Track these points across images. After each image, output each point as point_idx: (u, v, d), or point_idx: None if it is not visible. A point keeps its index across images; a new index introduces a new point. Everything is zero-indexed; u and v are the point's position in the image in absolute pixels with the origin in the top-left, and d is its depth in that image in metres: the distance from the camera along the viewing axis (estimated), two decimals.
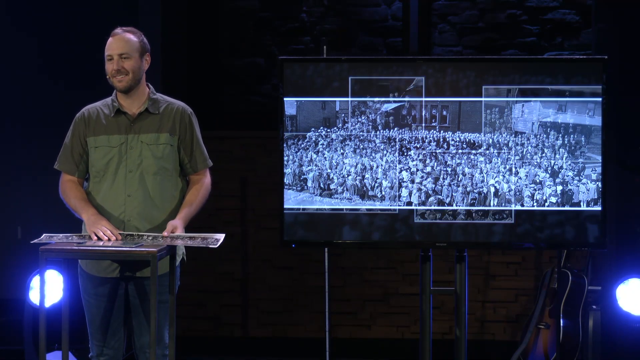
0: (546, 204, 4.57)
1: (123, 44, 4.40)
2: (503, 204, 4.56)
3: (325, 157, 4.61)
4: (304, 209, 4.62)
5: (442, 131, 4.59)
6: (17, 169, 6.87)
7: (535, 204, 4.57)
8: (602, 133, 4.56)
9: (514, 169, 4.57)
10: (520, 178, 4.57)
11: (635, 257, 6.03)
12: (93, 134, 4.45)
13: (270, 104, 7.35)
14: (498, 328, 6.73)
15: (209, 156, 4.58)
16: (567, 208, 4.57)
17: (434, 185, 4.58)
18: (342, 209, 4.61)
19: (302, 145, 4.62)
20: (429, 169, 4.58)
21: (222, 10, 7.55)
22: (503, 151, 4.57)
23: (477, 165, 4.58)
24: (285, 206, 4.62)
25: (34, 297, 5.74)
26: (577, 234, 4.57)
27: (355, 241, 4.65)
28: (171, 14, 7.09)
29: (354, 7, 7.47)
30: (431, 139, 4.59)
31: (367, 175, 4.60)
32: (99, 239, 4.27)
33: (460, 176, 4.58)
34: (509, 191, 4.57)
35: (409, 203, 4.59)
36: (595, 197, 4.56)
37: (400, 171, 4.59)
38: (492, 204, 4.57)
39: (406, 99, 4.60)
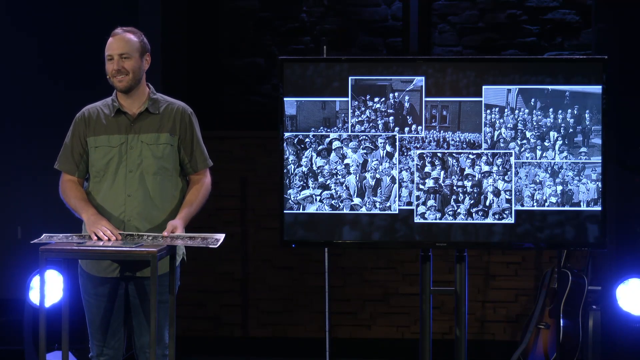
0: (546, 204, 4.57)
1: (123, 44, 4.40)
2: (503, 204, 4.56)
3: (325, 157, 4.61)
4: (304, 209, 4.62)
5: (442, 131, 4.59)
6: (17, 169, 6.87)
7: (535, 204, 4.57)
8: (602, 133, 4.56)
9: (514, 169, 4.57)
10: (520, 178, 4.57)
11: (635, 257, 6.03)
12: (93, 133, 4.45)
13: (270, 104, 7.35)
14: (498, 328, 6.73)
15: (209, 156, 4.58)
16: (567, 208, 4.57)
17: (434, 185, 4.58)
18: (342, 209, 4.61)
19: (302, 145, 4.62)
20: (428, 168, 4.58)
21: (222, 10, 7.55)
22: (503, 151, 4.57)
23: (477, 165, 4.58)
24: (285, 206, 4.62)
25: (34, 297, 5.74)
26: (577, 234, 4.57)
27: (355, 241, 4.65)
28: (171, 14, 7.09)
29: (354, 7, 7.47)
30: (431, 139, 4.59)
31: (367, 175, 4.60)
32: (99, 239, 4.27)
33: (460, 176, 4.58)
34: (509, 191, 4.57)
35: (409, 203, 4.59)
36: (595, 197, 4.56)
37: (400, 171, 4.59)
38: (492, 204, 4.57)
39: (406, 99, 4.60)
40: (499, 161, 4.58)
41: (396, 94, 4.61)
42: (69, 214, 4.49)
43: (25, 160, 6.81)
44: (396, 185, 4.59)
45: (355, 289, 6.81)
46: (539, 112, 4.57)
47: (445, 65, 4.61)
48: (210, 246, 4.26)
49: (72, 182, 4.48)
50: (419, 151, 4.59)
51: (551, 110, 4.57)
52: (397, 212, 4.60)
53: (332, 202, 4.61)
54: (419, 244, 4.62)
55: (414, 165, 4.59)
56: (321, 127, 4.62)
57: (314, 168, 4.62)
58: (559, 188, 4.57)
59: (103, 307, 4.43)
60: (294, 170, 4.62)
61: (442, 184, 4.58)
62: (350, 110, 4.61)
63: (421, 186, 4.59)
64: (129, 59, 4.41)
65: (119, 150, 4.42)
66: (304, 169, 4.62)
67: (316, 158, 4.62)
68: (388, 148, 4.59)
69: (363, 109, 4.61)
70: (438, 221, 4.59)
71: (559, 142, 4.57)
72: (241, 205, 6.90)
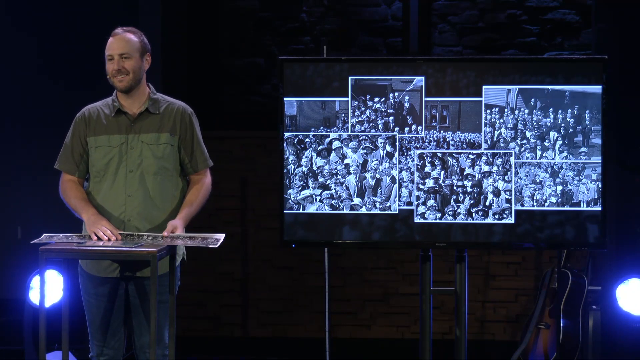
0: (546, 204, 4.57)
1: (124, 44, 4.40)
2: (503, 204, 4.56)
3: (325, 157, 4.61)
4: (304, 209, 4.62)
5: (442, 131, 4.59)
6: (17, 169, 6.87)
7: (535, 204, 4.57)
8: (602, 133, 4.56)
9: (514, 169, 4.57)
10: (520, 178, 4.57)
11: (635, 257, 6.03)
12: (93, 133, 4.45)
13: (270, 104, 7.35)
14: (498, 328, 6.73)
15: (209, 156, 4.58)
16: (567, 208, 4.57)
17: (434, 185, 4.58)
18: (342, 209, 4.61)
19: (302, 145, 4.62)
20: (428, 168, 4.58)
21: (222, 10, 7.55)
22: (503, 151, 4.57)
23: (477, 165, 4.58)
24: (285, 206, 4.62)
25: (34, 297, 5.74)
26: (577, 234, 4.57)
27: (355, 241, 4.64)
28: (171, 14, 7.09)
29: (354, 7, 7.47)
30: (431, 139, 4.59)
31: (367, 175, 4.60)
32: (99, 239, 4.27)
33: (460, 176, 4.58)
34: (509, 191, 4.57)
35: (409, 203, 4.59)
36: (595, 197, 4.56)
37: (400, 171, 4.59)
38: (492, 204, 4.57)
39: (406, 99, 4.60)
40: (499, 161, 4.58)
41: (396, 94, 4.61)
42: (69, 214, 4.49)
43: (25, 160, 6.81)
44: (396, 185, 4.59)
45: (355, 289, 6.81)
46: (539, 112, 4.57)
47: (445, 65, 4.61)
48: (210, 246, 4.26)
49: (72, 182, 4.48)
50: (419, 151, 4.59)
51: (551, 110, 4.57)
52: (397, 212, 4.60)
53: (332, 202, 4.61)
54: (419, 244, 4.62)
55: (414, 165, 4.59)
56: (321, 127, 4.62)
57: (314, 168, 4.62)
58: (559, 188, 4.57)
59: (103, 307, 4.43)
60: (294, 170, 4.62)
61: (442, 184, 4.58)
62: (350, 110, 4.61)
63: (421, 186, 4.59)
64: (129, 59, 4.41)
65: (119, 150, 4.42)
66: (304, 169, 4.62)
67: (316, 158, 4.62)
68: (388, 148, 4.59)
69: (363, 109, 4.61)
70: (438, 221, 4.59)
71: (559, 142, 4.57)
72: (241, 205, 6.90)
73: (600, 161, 4.56)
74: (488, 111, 4.58)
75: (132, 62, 4.41)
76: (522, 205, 4.57)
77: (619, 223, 6.16)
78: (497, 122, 4.58)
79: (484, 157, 4.58)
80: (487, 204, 4.57)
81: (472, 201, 4.58)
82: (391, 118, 4.59)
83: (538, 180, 4.57)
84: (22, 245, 6.60)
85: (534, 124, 4.57)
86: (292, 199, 4.62)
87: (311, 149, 4.62)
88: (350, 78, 4.61)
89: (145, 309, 4.38)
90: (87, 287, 4.45)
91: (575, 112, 4.57)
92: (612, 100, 5.17)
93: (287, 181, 4.62)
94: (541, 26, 7.32)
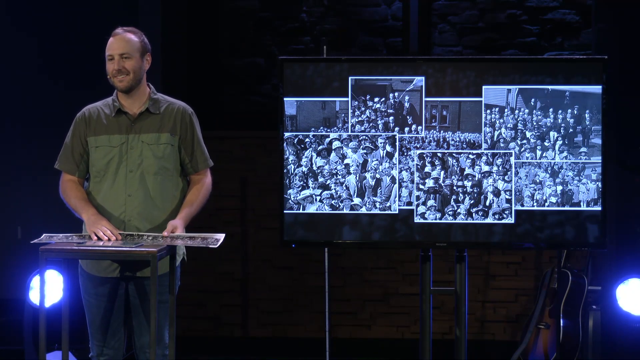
0: (546, 204, 4.57)
1: (124, 44, 4.40)
2: (503, 204, 4.56)
3: (325, 157, 4.61)
4: (304, 209, 4.62)
5: (442, 131, 4.59)
6: (17, 169, 6.87)
7: (535, 204, 4.57)
8: (602, 133, 4.56)
9: (514, 169, 4.57)
10: (520, 178, 4.57)
11: (635, 257, 6.03)
12: (94, 133, 4.45)
13: (270, 104, 7.35)
14: (498, 328, 6.73)
15: (209, 156, 4.58)
16: (567, 208, 4.57)
17: (434, 185, 4.58)
18: (342, 209, 4.61)
19: (302, 145, 4.62)
20: (428, 168, 4.58)
21: (222, 10, 7.55)
22: (503, 151, 4.57)
23: (477, 165, 4.58)
24: (285, 206, 4.62)
25: (34, 297, 5.74)
26: (577, 234, 4.57)
27: (355, 241, 4.64)
28: (171, 14, 7.09)
29: (354, 7, 7.47)
30: (431, 139, 4.59)
31: (367, 175, 4.60)
32: (99, 239, 4.27)
33: (460, 176, 4.58)
34: (509, 191, 4.56)
35: (409, 203, 4.59)
36: (595, 197, 4.56)
37: (400, 171, 4.59)
38: (492, 204, 4.57)
39: (406, 99, 4.60)
40: (499, 161, 4.58)
41: (396, 94, 4.61)
42: (69, 214, 4.49)
43: (25, 160, 6.82)
44: (396, 185, 4.59)
45: (355, 289, 6.81)
46: (539, 112, 4.57)
47: (445, 65, 4.61)
48: (210, 246, 4.25)
49: (72, 182, 4.48)
50: (419, 151, 4.59)
51: (551, 110, 4.57)
52: (397, 212, 4.60)
53: (332, 202, 4.61)
54: (419, 244, 4.62)
55: (414, 165, 4.59)
56: (321, 127, 4.62)
57: (314, 168, 4.62)
58: (559, 188, 4.57)
59: (103, 307, 4.43)
60: (294, 170, 4.62)
61: (442, 184, 4.58)
62: (350, 110, 4.61)
63: (421, 186, 4.58)
64: (130, 59, 4.41)
65: (119, 150, 4.42)
66: (304, 169, 4.62)
67: (316, 158, 4.62)
68: (388, 148, 4.59)
69: (363, 109, 4.61)
70: (438, 221, 4.59)
71: (559, 142, 4.57)
72: (241, 205, 6.90)
73: (600, 161, 4.56)
74: (488, 111, 4.58)
75: (133, 62, 4.41)
76: (522, 205, 4.57)
77: (619, 223, 6.16)
78: (497, 122, 4.58)
79: (484, 157, 4.58)
80: (487, 204, 4.57)
81: (472, 201, 4.58)
82: (391, 118, 4.59)
83: (538, 180, 4.57)
84: (22, 245, 6.60)
85: (534, 124, 4.57)
86: (292, 199, 4.62)
87: (311, 149, 4.62)
88: (350, 78, 4.61)
89: (145, 309, 4.38)
90: (87, 287, 4.45)
91: (575, 112, 4.57)
92: (612, 100, 5.17)
93: (287, 181, 4.62)
94: (541, 26, 7.32)
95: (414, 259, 6.64)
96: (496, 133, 4.58)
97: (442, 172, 4.58)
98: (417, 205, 4.59)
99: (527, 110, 4.57)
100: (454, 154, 4.58)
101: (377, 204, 4.59)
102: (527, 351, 6.04)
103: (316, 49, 7.34)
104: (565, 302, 5.99)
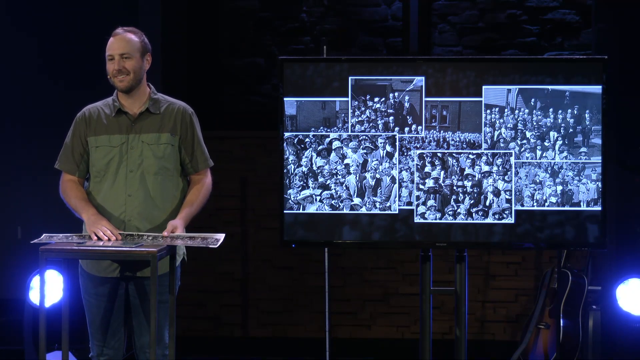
0: (546, 204, 4.57)
1: (124, 44, 4.40)
2: (503, 204, 4.56)
3: (325, 157, 4.61)
4: (304, 209, 4.62)
5: (442, 131, 4.59)
6: (17, 169, 6.87)
7: (535, 204, 4.57)
8: (602, 133, 4.56)
9: (514, 169, 4.57)
10: (520, 178, 4.57)
11: (635, 257, 6.03)
12: (94, 133, 4.45)
13: (270, 104, 7.35)
14: (498, 328, 6.73)
15: (209, 156, 4.58)
16: (567, 208, 4.57)
17: (434, 185, 4.58)
18: (342, 209, 4.61)
19: (302, 145, 4.62)
20: (428, 168, 4.58)
21: (222, 10, 7.55)
22: (503, 151, 4.57)
23: (477, 165, 4.58)
24: (285, 206, 4.62)
25: (34, 297, 5.74)
26: (577, 234, 4.57)
27: (355, 241, 4.64)
28: (171, 14, 7.09)
29: (354, 7, 7.47)
30: (431, 139, 4.59)
31: (367, 175, 4.60)
32: (99, 239, 4.27)
33: (460, 176, 4.58)
34: (509, 191, 4.56)
35: (409, 203, 4.59)
36: (595, 197, 4.56)
37: (400, 171, 4.59)
38: (492, 204, 4.57)
39: (406, 99, 4.60)
40: (499, 161, 4.58)
41: (396, 94, 4.61)
42: (69, 214, 4.49)
43: (25, 160, 6.82)
44: (396, 185, 4.59)
45: (355, 289, 6.81)
46: (539, 112, 4.57)
47: (445, 65, 4.61)
48: (210, 246, 4.25)
49: (72, 182, 4.48)
50: (419, 151, 4.59)
51: (551, 110, 4.57)
52: (397, 212, 4.60)
53: (332, 202, 4.61)
54: (419, 244, 4.62)
55: (414, 165, 4.59)
56: (321, 127, 4.62)
57: (314, 168, 4.62)
58: (559, 188, 4.57)
59: (103, 307, 4.42)
60: (294, 170, 4.62)
61: (442, 184, 4.58)
62: (350, 110, 4.61)
63: (421, 186, 4.59)
64: (130, 59, 4.41)
65: (119, 150, 4.42)
66: (304, 169, 4.62)
67: (316, 158, 4.62)
68: (388, 148, 4.59)
69: (363, 109, 4.61)
70: (438, 221, 4.59)
71: (559, 142, 4.57)
72: (241, 205, 6.90)
73: (600, 161, 4.56)
74: (488, 111, 4.58)
75: (133, 62, 4.41)
76: (522, 205, 4.57)
77: (619, 223, 6.16)
78: (497, 122, 4.58)
79: (484, 157, 4.58)
80: (487, 204, 4.57)
81: (472, 201, 4.58)
82: (391, 118, 4.59)
83: (538, 180, 4.57)
84: (22, 245, 6.60)
85: (534, 124, 4.57)
86: (292, 199, 4.62)
87: (311, 149, 4.62)
88: (350, 78, 4.61)
89: (145, 309, 4.38)
90: (87, 287, 4.45)
91: (575, 112, 4.57)
92: (612, 100, 5.17)
93: (287, 181, 4.62)
94: (541, 26, 7.32)
95: (414, 259, 6.64)
96: (496, 133, 4.58)
97: (442, 172, 4.58)
98: (417, 205, 4.59)
99: (527, 110, 4.57)
100: (454, 154, 4.58)
101: (377, 204, 4.59)
102: (527, 351, 6.04)
103: (316, 49, 7.34)
104: (565, 302, 5.99)
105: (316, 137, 4.61)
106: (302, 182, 4.62)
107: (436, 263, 5.20)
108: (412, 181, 4.59)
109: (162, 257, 4.21)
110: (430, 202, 4.58)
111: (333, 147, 4.61)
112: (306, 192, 4.62)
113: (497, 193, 4.57)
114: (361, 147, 4.60)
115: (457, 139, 4.58)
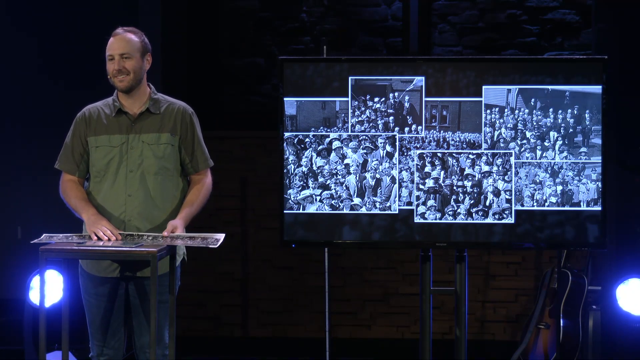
0: (546, 204, 4.57)
1: (124, 44, 4.40)
2: (503, 204, 4.56)
3: (325, 157, 4.61)
4: (304, 209, 4.62)
5: (442, 131, 4.59)
6: (17, 169, 6.87)
7: (535, 204, 4.57)
8: (602, 133, 4.56)
9: (514, 169, 4.57)
10: (520, 178, 4.57)
11: (635, 257, 6.03)
12: (94, 133, 4.45)
13: (270, 104, 7.35)
14: (498, 328, 6.73)
15: (209, 156, 4.58)
16: (567, 208, 4.57)
17: (434, 185, 4.58)
18: (342, 209, 4.61)
19: (302, 145, 4.62)
20: (428, 168, 4.58)
21: (222, 10, 7.55)
22: (503, 151, 4.57)
23: (477, 165, 4.58)
24: (285, 206, 4.62)
25: (34, 297, 5.74)
26: (577, 234, 4.57)
27: (355, 241, 4.64)
28: (171, 14, 7.09)
29: (354, 7, 7.47)
30: (431, 139, 4.59)
31: (367, 175, 4.60)
32: (99, 239, 4.27)
33: (460, 176, 4.58)
34: (509, 191, 4.57)
35: (409, 203, 4.59)
36: (595, 197, 4.56)
37: (401, 171, 4.59)
38: (492, 204, 4.57)
39: (406, 99, 4.60)
40: (499, 161, 4.58)
41: (396, 94, 4.61)
42: (69, 214, 4.49)
43: (25, 160, 6.82)
44: (396, 185, 4.59)
45: (355, 289, 6.81)
46: (539, 112, 4.57)
47: (445, 65, 4.61)
48: (210, 246, 4.25)
49: (72, 182, 4.48)
50: (419, 151, 4.59)
51: (551, 110, 4.57)
52: (397, 212, 4.60)
53: (332, 202, 4.61)
54: (419, 244, 4.62)
55: (414, 165, 4.59)
56: (321, 127, 4.62)
57: (314, 168, 4.62)
58: (559, 188, 4.57)
59: (103, 307, 4.42)
60: (294, 170, 4.62)
61: (442, 184, 4.58)
62: (350, 110, 4.61)
63: (421, 186, 4.59)
64: (130, 59, 4.41)
65: (119, 150, 4.42)
66: (304, 169, 4.62)
67: (316, 158, 4.62)
68: (388, 148, 4.59)
69: (363, 109, 4.61)
70: (438, 221, 4.59)
71: (559, 142, 4.57)
72: (241, 205, 6.90)
73: (600, 161, 4.56)
74: (488, 111, 4.58)
75: (133, 62, 4.41)
76: (522, 205, 4.57)
77: (619, 223, 6.16)
78: (497, 122, 4.58)
79: (484, 157, 4.58)
80: (487, 204, 4.57)
81: (472, 201, 4.58)
82: (391, 118, 4.59)
83: (538, 180, 4.57)
84: (22, 245, 6.60)
85: (534, 124, 4.57)
86: (292, 199, 4.62)
87: (311, 149, 4.62)
88: (350, 78, 4.61)
89: (145, 309, 4.38)
90: (87, 287, 4.45)
91: (575, 112, 4.57)
92: (612, 100, 5.17)
93: (287, 181, 4.62)
94: (541, 26, 7.32)
95: (414, 259, 6.64)
96: (496, 133, 4.58)
97: (442, 172, 4.58)
98: (417, 205, 4.59)
99: (527, 110, 4.57)
100: (454, 154, 4.58)
101: (377, 204, 4.59)
102: (527, 351, 6.04)
103: (316, 49, 7.34)
104: (565, 302, 5.99)
105: (316, 137, 4.61)
106: (302, 182, 4.62)
107: (436, 263, 5.20)
108: (412, 181, 4.59)
109: (162, 257, 4.21)
110: (430, 202, 4.58)
111: (333, 147, 4.61)
112: (306, 192, 4.62)
113: (497, 193, 4.57)
114: (361, 147, 4.60)
115: (457, 139, 4.58)
